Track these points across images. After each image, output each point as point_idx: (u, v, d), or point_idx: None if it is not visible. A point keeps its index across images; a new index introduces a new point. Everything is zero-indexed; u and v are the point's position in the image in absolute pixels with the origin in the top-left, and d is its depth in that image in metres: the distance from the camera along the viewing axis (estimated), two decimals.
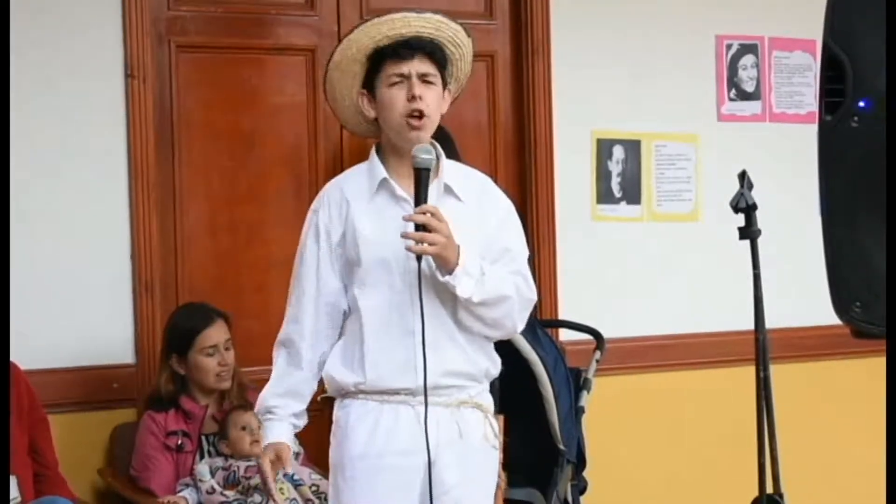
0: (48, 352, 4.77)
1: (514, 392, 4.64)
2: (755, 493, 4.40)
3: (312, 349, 3.55)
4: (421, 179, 3.41)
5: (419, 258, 3.38)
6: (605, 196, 5.66)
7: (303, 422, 3.60)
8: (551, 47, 5.54)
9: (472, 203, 3.56)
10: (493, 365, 3.63)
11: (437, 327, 3.45)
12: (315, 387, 3.60)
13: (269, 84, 5.23)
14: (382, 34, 3.49)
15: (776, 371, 4.49)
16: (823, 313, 2.79)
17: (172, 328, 4.73)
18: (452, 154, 5.09)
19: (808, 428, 5.81)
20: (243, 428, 4.56)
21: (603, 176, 5.65)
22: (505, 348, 4.54)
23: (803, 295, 5.48)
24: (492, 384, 3.68)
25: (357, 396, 3.53)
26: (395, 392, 3.48)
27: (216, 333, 4.69)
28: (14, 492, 4.27)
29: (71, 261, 4.84)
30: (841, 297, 2.64)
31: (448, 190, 3.54)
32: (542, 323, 5.09)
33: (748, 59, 5.89)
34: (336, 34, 5.21)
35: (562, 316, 5.48)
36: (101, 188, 4.89)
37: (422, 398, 3.43)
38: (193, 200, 5.09)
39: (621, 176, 5.68)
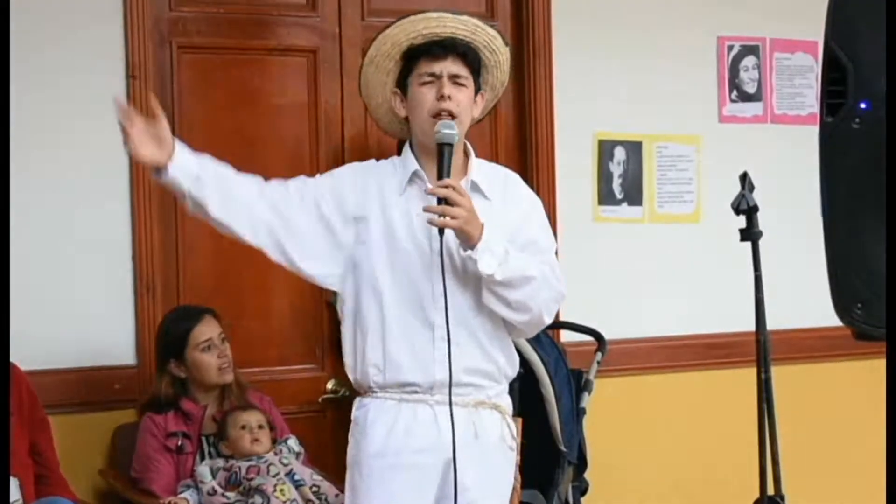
0: (49, 352, 4.77)
1: (515, 393, 4.64)
2: (756, 494, 4.40)
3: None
4: (444, 154, 3.41)
5: (441, 232, 3.36)
6: (606, 197, 5.66)
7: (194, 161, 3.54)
8: (552, 48, 5.54)
9: (498, 200, 3.57)
10: (512, 365, 3.63)
11: (456, 323, 3.44)
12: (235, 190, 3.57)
13: (271, 85, 5.23)
14: (417, 31, 3.52)
15: (777, 372, 4.49)
16: (825, 315, 2.79)
17: (164, 335, 4.72)
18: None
19: (809, 429, 5.81)
20: (243, 427, 4.56)
21: (604, 177, 5.65)
22: None
23: (804, 296, 5.46)
24: (511, 386, 3.68)
25: (376, 395, 3.53)
26: (413, 388, 3.48)
27: (208, 328, 4.69)
28: (15, 493, 4.27)
29: (72, 261, 4.84)
30: (842, 298, 2.63)
31: (475, 187, 3.54)
32: None
33: (749, 61, 5.89)
34: (337, 35, 5.22)
35: (563, 317, 5.46)
36: (102, 189, 4.89)
37: (440, 397, 3.44)
38: None
39: (622, 177, 5.67)
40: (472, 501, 3.50)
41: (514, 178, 3.70)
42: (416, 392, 3.48)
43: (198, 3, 5.10)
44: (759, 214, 4.39)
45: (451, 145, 3.42)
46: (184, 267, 5.05)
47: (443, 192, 3.35)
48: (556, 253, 3.69)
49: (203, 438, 4.66)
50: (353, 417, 3.61)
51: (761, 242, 4.41)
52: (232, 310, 4.90)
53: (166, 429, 4.61)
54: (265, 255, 5.01)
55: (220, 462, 4.54)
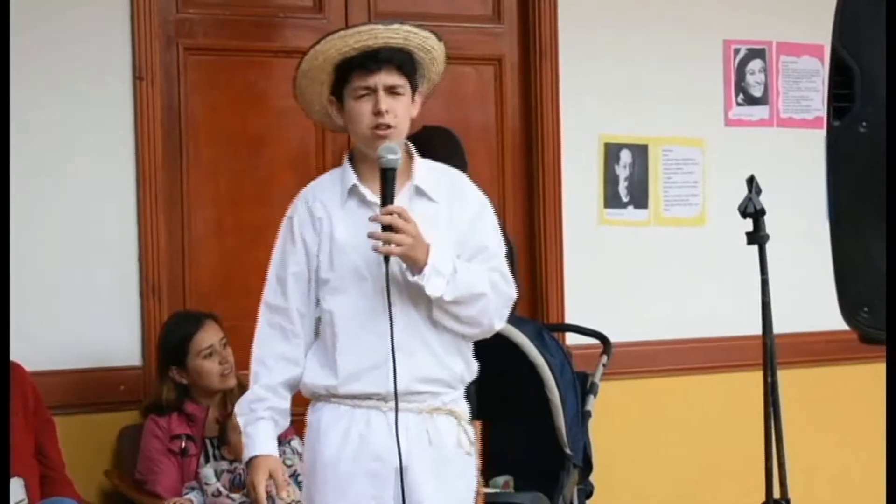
0: (55, 353, 4.77)
1: (519, 396, 4.64)
2: (762, 497, 4.40)
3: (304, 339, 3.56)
4: (387, 179, 3.39)
5: (387, 259, 3.36)
6: (612, 200, 5.66)
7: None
8: (559, 51, 5.54)
9: (445, 203, 3.53)
10: (469, 369, 3.59)
11: (409, 332, 3.43)
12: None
13: (277, 87, 5.23)
14: (349, 46, 3.45)
15: (783, 376, 4.49)
16: (831, 318, 2.79)
17: (165, 342, 4.71)
18: (458, 157, 5.09)
19: (815, 433, 5.80)
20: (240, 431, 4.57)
21: (610, 180, 5.65)
22: (511, 352, 4.55)
23: (811, 300, 5.46)
24: (468, 390, 3.65)
25: (329, 400, 3.51)
26: (367, 397, 3.46)
27: (209, 335, 4.68)
28: (21, 494, 4.27)
29: (78, 263, 4.84)
30: (849, 302, 2.63)
31: (419, 192, 3.51)
32: (549, 327, 5.09)
33: (756, 64, 5.89)
34: None
35: (568, 320, 5.47)
36: (108, 190, 4.89)
37: (393, 404, 3.42)
38: (200, 203, 5.10)
39: (628, 180, 5.67)
40: None
41: (461, 177, 3.66)
42: (370, 399, 3.47)
43: (204, 5, 5.11)
44: (766, 218, 4.39)
45: (394, 170, 3.40)
46: (189, 268, 5.05)
47: (387, 220, 3.34)
48: (510, 255, 3.68)
49: (206, 441, 4.66)
50: (307, 421, 3.59)
51: (768, 246, 4.41)
52: (237, 311, 4.89)
53: (170, 431, 4.61)
54: (270, 257, 5.03)
55: (224, 464, 4.54)
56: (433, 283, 3.37)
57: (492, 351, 4.60)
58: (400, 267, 3.41)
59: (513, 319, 4.79)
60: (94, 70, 4.86)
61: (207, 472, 4.50)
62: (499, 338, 4.54)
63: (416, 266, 3.37)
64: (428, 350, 3.48)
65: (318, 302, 3.53)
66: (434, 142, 5.12)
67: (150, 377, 4.88)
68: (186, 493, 4.49)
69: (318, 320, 3.54)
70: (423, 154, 5.09)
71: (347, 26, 3.60)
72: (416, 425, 3.47)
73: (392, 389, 3.41)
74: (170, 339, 4.69)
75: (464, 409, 3.60)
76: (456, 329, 3.50)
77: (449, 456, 3.53)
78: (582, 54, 5.57)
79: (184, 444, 4.60)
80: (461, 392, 3.60)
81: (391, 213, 3.35)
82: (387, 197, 3.39)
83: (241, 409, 3.55)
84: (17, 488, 4.27)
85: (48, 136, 4.79)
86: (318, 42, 3.51)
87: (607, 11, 5.63)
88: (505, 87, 5.54)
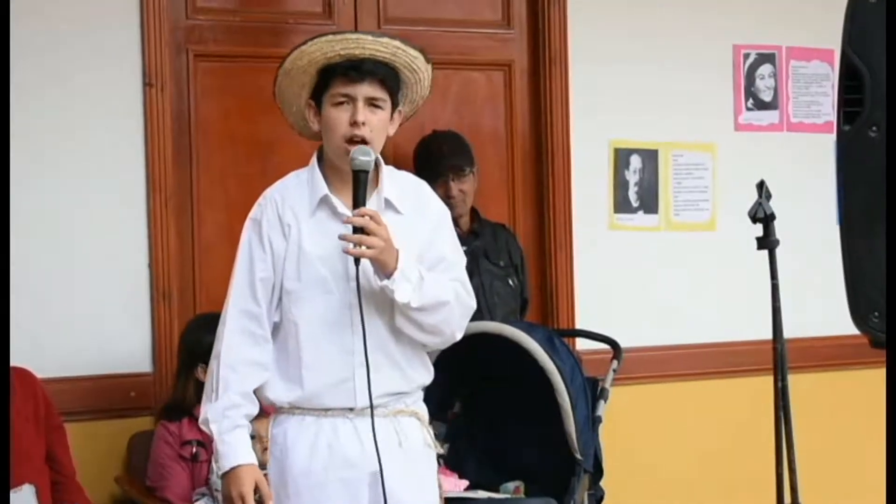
0: (65, 360, 4.78)
1: (530, 401, 4.64)
2: (773, 502, 4.39)
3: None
4: (359, 181, 3.37)
5: (357, 262, 3.33)
6: (622, 205, 5.66)
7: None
8: (569, 56, 5.54)
9: (409, 213, 3.52)
10: (428, 374, 3.59)
11: (374, 346, 3.40)
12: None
13: None
14: (335, 51, 3.43)
15: (794, 381, 4.48)
16: (841, 323, 2.78)
17: (193, 340, 4.69)
18: (467, 159, 5.10)
19: (826, 438, 5.79)
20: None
21: (620, 185, 5.65)
22: (522, 358, 4.55)
23: (821, 305, 5.46)
24: (429, 394, 3.65)
25: (293, 413, 3.50)
26: (333, 408, 3.46)
27: None
28: (32, 500, 4.28)
29: (89, 269, 4.85)
30: (859, 306, 2.63)
31: (388, 204, 3.49)
32: (559, 332, 5.08)
33: (766, 69, 5.88)
34: None
35: (579, 325, 5.47)
36: (119, 196, 4.90)
37: (359, 412, 3.42)
38: (211, 208, 5.10)
39: (638, 185, 5.67)
40: None
41: (426, 188, 3.65)
42: (335, 409, 3.46)
43: (214, 11, 5.12)
44: (776, 223, 4.38)
45: (366, 172, 3.38)
46: (200, 274, 5.06)
47: (359, 222, 3.32)
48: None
49: None
50: (269, 435, 3.57)
51: (778, 250, 4.40)
52: None
53: (181, 437, 4.61)
54: None
55: None
56: (402, 288, 3.35)
57: (503, 356, 4.62)
58: (366, 275, 3.38)
59: (523, 325, 4.80)
60: (104, 76, 4.87)
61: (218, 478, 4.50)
62: (509, 343, 4.57)
63: (386, 270, 3.35)
64: (392, 364, 3.47)
65: (276, 308, 3.50)
66: (441, 143, 5.14)
67: (161, 383, 4.88)
68: (197, 500, 4.50)
69: (276, 326, 3.50)
70: (430, 155, 5.07)
71: (336, 32, 3.55)
72: (384, 428, 3.45)
73: (359, 404, 3.41)
74: (201, 338, 4.68)
75: (424, 410, 3.60)
76: (418, 338, 3.49)
77: (418, 456, 3.53)
78: (592, 59, 5.57)
79: (194, 450, 4.60)
80: (421, 394, 3.61)
81: (364, 216, 3.33)
82: (359, 199, 3.37)
83: (214, 416, 3.48)
84: (28, 496, 4.27)
85: (58, 142, 4.80)
86: (304, 42, 3.48)
87: (617, 17, 5.63)
88: (515, 92, 5.55)
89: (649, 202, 5.69)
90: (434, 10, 5.44)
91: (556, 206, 5.53)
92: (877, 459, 5.69)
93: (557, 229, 5.48)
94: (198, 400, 4.65)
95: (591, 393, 4.78)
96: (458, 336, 3.57)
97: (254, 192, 5.12)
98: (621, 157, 5.65)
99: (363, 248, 3.31)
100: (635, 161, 5.67)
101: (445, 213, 3.63)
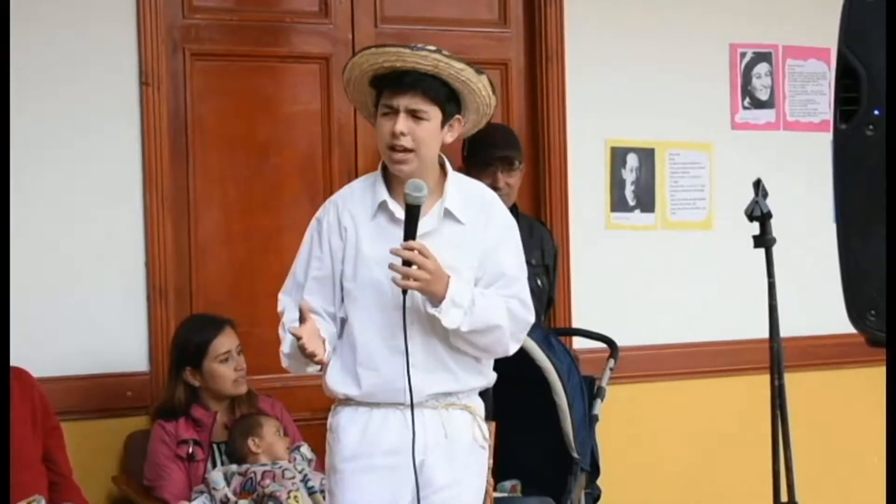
0: (62, 359, 4.78)
1: (527, 400, 4.63)
2: (770, 501, 4.40)
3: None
4: (411, 216, 3.46)
5: (405, 291, 3.44)
6: (618, 204, 5.66)
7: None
8: (565, 55, 5.54)
9: (471, 223, 3.59)
10: (483, 378, 3.68)
11: (428, 351, 3.54)
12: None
13: (284, 92, 5.24)
14: (379, 64, 3.52)
15: (791, 379, 4.49)
16: (838, 322, 2.79)
17: (184, 342, 4.72)
18: (518, 153, 5.06)
19: (822, 436, 5.80)
20: (249, 436, 4.58)
21: (617, 184, 5.65)
22: (518, 356, 4.54)
23: (818, 303, 5.47)
24: (485, 393, 3.71)
25: (348, 404, 3.60)
26: (383, 403, 3.56)
27: (227, 340, 4.71)
28: None
29: (85, 268, 4.85)
30: (856, 305, 2.63)
31: (448, 214, 3.57)
32: (556, 331, 5.09)
33: (762, 68, 5.88)
34: (350, 42, 5.22)
35: (575, 324, 5.47)
36: (115, 195, 4.89)
37: (409, 405, 3.51)
38: (208, 208, 5.10)
39: (635, 184, 5.67)
40: (445, 501, 3.55)
41: (491, 198, 3.71)
42: (386, 402, 3.57)
43: (211, 11, 5.11)
44: (772, 221, 4.38)
45: (418, 207, 3.45)
46: (197, 273, 5.06)
47: (407, 255, 3.41)
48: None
49: (214, 445, 4.67)
50: (328, 425, 3.68)
51: (774, 249, 4.41)
52: (245, 317, 4.90)
53: (177, 436, 4.61)
54: (279, 263, 5.06)
55: (234, 467, 4.54)
56: (450, 315, 3.46)
57: None
58: (416, 303, 3.49)
59: None
60: (101, 75, 4.86)
61: (216, 476, 4.50)
62: None
63: (435, 299, 3.46)
64: (443, 367, 3.58)
65: (340, 305, 3.61)
66: (494, 133, 5.05)
67: (157, 383, 4.88)
68: (194, 499, 4.49)
69: (341, 322, 3.62)
70: (481, 145, 4.92)
71: (378, 45, 3.64)
72: (433, 419, 3.56)
73: (408, 401, 3.50)
74: (189, 340, 4.70)
75: (479, 405, 3.69)
76: (473, 354, 3.60)
77: (464, 449, 3.61)
78: (588, 58, 5.57)
79: (191, 449, 4.60)
80: (475, 391, 3.68)
81: (411, 249, 3.41)
82: (408, 233, 3.45)
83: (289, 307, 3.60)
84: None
85: (53, 141, 4.80)
86: (355, 54, 3.61)
87: (613, 15, 5.63)
88: (511, 91, 5.54)
89: (646, 201, 5.70)
90: (430, 10, 5.44)
91: (553, 204, 5.52)
92: (873, 458, 5.70)
93: (554, 228, 5.47)
94: (188, 402, 4.67)
95: (587, 392, 4.79)
96: (513, 350, 3.68)
97: (250, 191, 5.17)
98: (618, 156, 5.65)
99: (410, 280, 3.41)
100: (632, 160, 5.67)
101: (511, 226, 3.69)
